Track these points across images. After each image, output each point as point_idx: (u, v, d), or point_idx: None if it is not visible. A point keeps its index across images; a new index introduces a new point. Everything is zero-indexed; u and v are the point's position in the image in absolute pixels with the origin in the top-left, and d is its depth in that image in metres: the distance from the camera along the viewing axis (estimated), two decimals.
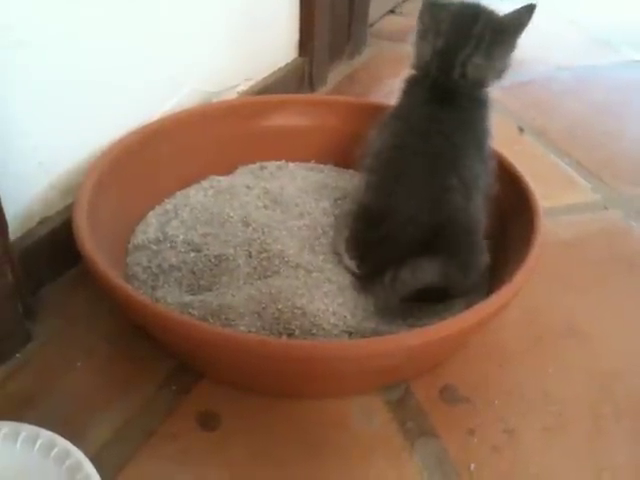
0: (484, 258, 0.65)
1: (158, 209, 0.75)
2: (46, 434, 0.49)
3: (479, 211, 0.65)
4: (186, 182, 0.79)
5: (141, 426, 0.54)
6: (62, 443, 0.48)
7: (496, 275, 0.65)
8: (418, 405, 0.58)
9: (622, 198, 0.91)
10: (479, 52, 0.64)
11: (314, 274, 0.65)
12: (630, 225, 0.85)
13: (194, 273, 0.65)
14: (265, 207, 0.74)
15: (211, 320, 0.59)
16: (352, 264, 0.66)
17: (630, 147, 1.04)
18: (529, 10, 0.64)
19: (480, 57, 0.65)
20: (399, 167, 0.65)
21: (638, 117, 1.16)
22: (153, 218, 0.74)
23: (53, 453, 0.47)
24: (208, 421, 0.55)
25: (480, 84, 0.67)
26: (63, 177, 0.69)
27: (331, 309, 0.61)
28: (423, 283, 0.62)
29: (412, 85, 0.70)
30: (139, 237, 0.70)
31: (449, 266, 0.62)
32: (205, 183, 0.80)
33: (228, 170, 0.83)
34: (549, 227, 0.72)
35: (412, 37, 0.69)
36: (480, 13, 0.65)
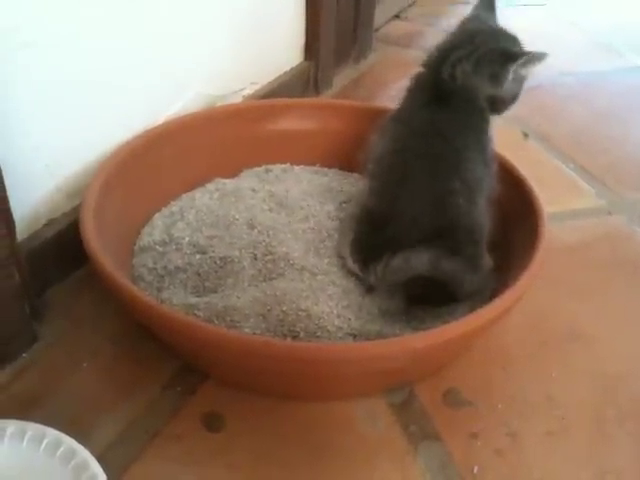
0: (487, 261, 0.66)
1: (164, 211, 0.76)
2: (52, 433, 0.49)
3: (482, 215, 0.65)
4: (192, 185, 0.80)
5: (146, 427, 0.55)
6: (68, 442, 0.48)
7: (500, 279, 0.65)
8: (422, 408, 0.58)
9: (626, 203, 0.91)
10: (470, 60, 0.65)
11: (319, 277, 0.65)
12: (634, 230, 0.85)
13: (199, 275, 0.66)
14: (270, 210, 0.75)
15: (216, 322, 0.59)
16: (356, 267, 0.66)
17: (634, 152, 1.04)
18: (539, 56, 0.65)
19: (470, 65, 0.65)
20: (401, 171, 0.66)
21: None
22: (159, 220, 0.74)
23: (59, 452, 0.48)
24: (213, 422, 0.56)
25: (473, 94, 0.67)
26: (69, 179, 0.69)
27: (335, 312, 0.61)
28: (414, 272, 0.62)
29: (414, 82, 0.71)
30: (145, 239, 0.71)
31: (442, 258, 0.61)
32: (210, 186, 0.80)
33: (233, 173, 0.84)
34: (553, 232, 0.73)
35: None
36: (490, 29, 0.67)
